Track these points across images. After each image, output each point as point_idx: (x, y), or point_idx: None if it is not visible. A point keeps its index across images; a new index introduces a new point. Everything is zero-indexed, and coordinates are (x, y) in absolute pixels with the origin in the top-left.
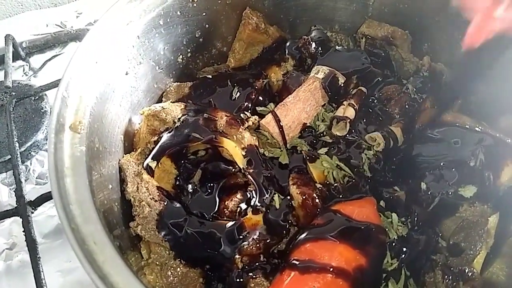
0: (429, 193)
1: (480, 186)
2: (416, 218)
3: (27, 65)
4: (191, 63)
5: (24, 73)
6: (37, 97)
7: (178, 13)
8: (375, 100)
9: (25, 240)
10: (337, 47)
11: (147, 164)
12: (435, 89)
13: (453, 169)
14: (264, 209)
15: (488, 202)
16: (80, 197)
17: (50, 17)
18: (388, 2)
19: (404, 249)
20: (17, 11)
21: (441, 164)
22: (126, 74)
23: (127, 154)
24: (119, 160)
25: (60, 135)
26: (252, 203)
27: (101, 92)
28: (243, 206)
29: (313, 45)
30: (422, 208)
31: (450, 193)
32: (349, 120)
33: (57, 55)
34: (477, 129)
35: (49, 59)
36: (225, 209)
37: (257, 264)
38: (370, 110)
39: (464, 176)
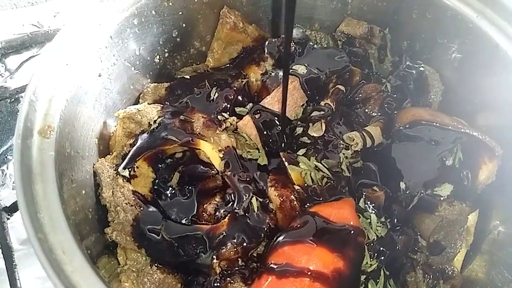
0: (408, 192)
1: (458, 185)
2: (396, 218)
3: (2, 66)
4: (169, 63)
5: (0, 75)
6: (13, 100)
7: (153, 12)
8: (355, 99)
9: (0, 247)
10: (316, 46)
11: (120, 174)
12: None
13: (431, 168)
14: (242, 212)
15: (466, 201)
16: (49, 205)
17: (26, 16)
18: (367, 0)
19: (384, 249)
20: None
21: (420, 163)
22: (99, 75)
23: (102, 158)
24: (94, 164)
25: (27, 141)
26: (230, 207)
27: (72, 95)
28: (222, 209)
29: (292, 44)
30: (401, 207)
31: (428, 192)
32: (324, 120)
33: (34, 56)
34: (455, 128)
35: (26, 60)
36: (203, 213)
37: (235, 268)
38: (349, 110)
39: (441, 175)
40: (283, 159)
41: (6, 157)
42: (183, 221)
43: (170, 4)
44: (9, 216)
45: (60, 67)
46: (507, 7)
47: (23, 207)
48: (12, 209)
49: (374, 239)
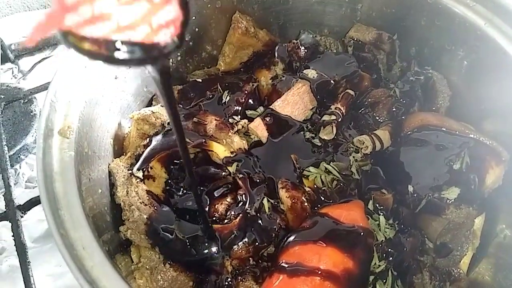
0: (415, 195)
1: (465, 188)
2: (403, 220)
3: (16, 67)
4: (181, 67)
5: (13, 76)
6: (26, 100)
7: None
8: (364, 103)
9: (15, 245)
10: (325, 51)
11: (134, 175)
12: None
13: (438, 172)
14: (253, 212)
15: (473, 204)
16: (69, 202)
17: (39, 19)
18: (376, 6)
19: (392, 251)
20: (6, 13)
21: (427, 167)
22: (116, 78)
23: (116, 158)
24: (109, 164)
25: (48, 141)
26: (242, 207)
27: (90, 97)
28: (233, 209)
29: (302, 49)
30: (409, 210)
31: (435, 195)
32: (335, 124)
33: (46, 58)
34: (462, 133)
35: (39, 62)
36: (215, 213)
37: (247, 267)
38: (358, 114)
39: (448, 179)
40: (294, 161)
41: (19, 156)
42: (195, 221)
43: None
44: (22, 214)
45: (79, 70)
46: None
47: (45, 204)
48: (26, 207)
49: (382, 240)
